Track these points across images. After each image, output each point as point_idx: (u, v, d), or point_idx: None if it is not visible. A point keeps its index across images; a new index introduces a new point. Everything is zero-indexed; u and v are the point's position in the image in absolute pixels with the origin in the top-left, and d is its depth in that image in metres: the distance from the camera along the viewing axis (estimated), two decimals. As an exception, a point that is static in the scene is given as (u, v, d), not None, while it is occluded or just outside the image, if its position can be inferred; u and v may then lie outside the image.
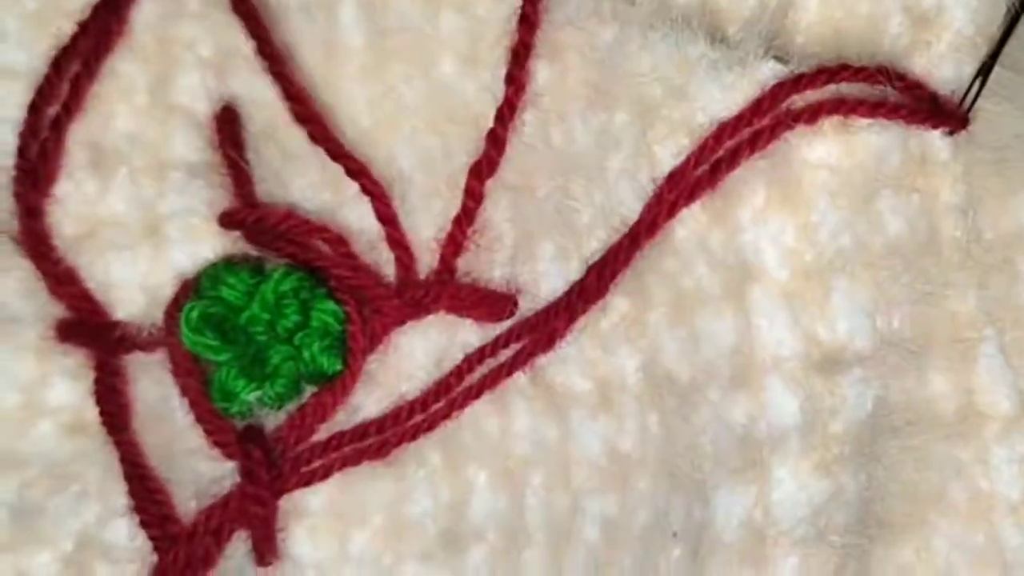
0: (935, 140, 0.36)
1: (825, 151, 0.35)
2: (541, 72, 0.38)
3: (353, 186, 0.38)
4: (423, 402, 0.38)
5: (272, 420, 0.38)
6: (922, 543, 0.37)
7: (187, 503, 0.38)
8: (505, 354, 0.38)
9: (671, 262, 0.36)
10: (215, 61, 0.39)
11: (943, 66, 0.36)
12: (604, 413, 0.38)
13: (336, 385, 0.38)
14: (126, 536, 0.38)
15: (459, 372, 0.38)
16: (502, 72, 0.38)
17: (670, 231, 0.36)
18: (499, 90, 0.38)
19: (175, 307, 0.38)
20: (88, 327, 0.38)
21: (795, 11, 0.36)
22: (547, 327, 0.37)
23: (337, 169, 0.38)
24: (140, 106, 0.39)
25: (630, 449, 0.37)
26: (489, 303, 0.38)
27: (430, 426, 0.38)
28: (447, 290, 0.38)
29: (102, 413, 0.38)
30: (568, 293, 0.37)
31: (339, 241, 0.38)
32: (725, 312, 0.36)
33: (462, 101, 0.38)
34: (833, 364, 0.35)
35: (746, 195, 0.35)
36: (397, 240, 0.38)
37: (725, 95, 0.35)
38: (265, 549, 0.37)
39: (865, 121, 0.35)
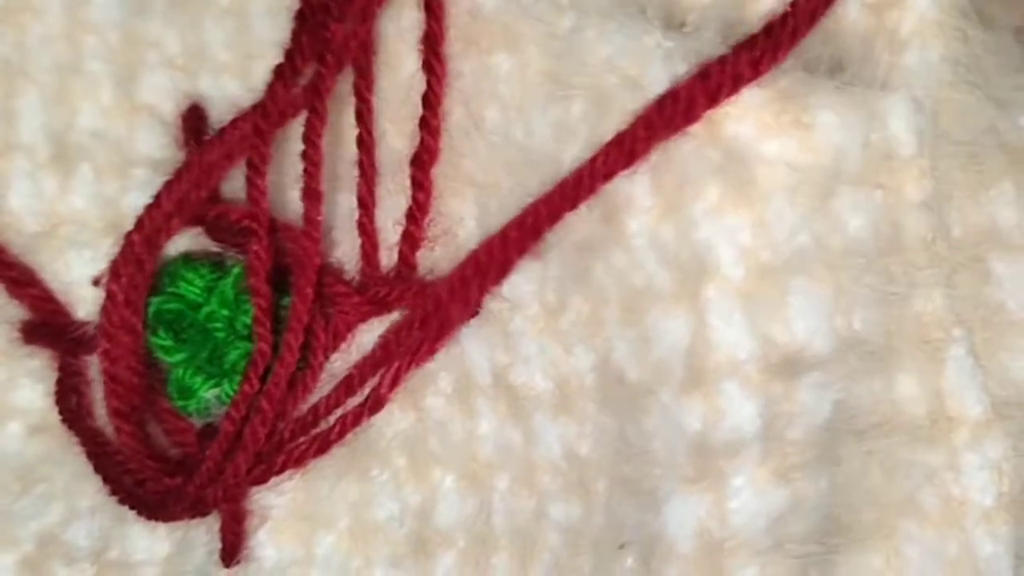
0: (900, 134, 0.35)
1: (781, 146, 0.34)
2: (502, 65, 0.37)
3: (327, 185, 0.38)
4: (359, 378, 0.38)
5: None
6: (892, 551, 0.35)
7: None
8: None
9: (621, 257, 0.35)
10: (182, 60, 0.39)
11: (906, 53, 0.35)
12: (564, 415, 0.37)
13: (296, 383, 0.38)
14: (85, 536, 0.38)
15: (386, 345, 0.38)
16: (464, 66, 0.37)
17: (622, 223, 0.35)
18: (463, 85, 0.37)
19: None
20: (50, 328, 0.38)
21: (749, 3, 0.35)
22: (464, 290, 0.37)
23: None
24: (105, 104, 0.39)
25: (588, 453, 0.37)
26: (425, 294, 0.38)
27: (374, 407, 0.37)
28: (409, 288, 0.38)
29: (62, 412, 0.38)
30: (483, 249, 0.36)
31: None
32: (677, 311, 0.34)
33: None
34: (790, 367, 0.34)
35: (700, 191, 0.34)
36: (367, 231, 0.38)
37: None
38: (234, 553, 0.37)
39: (823, 112, 0.34)
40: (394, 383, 0.38)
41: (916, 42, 0.35)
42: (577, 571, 0.37)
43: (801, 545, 0.34)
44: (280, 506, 0.38)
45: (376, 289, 0.38)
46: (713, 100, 0.34)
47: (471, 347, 0.38)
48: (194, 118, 0.39)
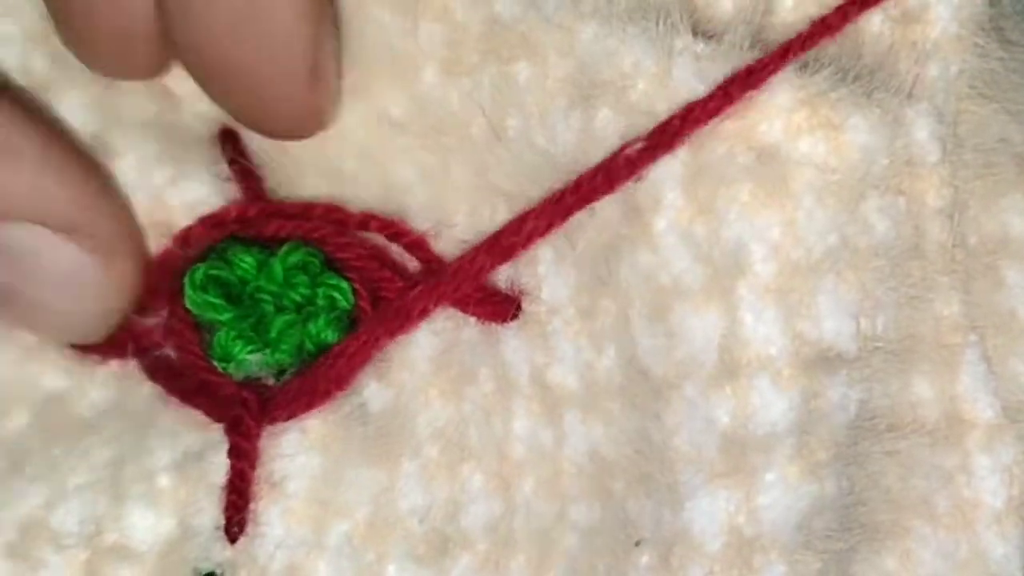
0: (924, 142, 0.36)
1: (811, 149, 0.34)
2: (522, 74, 0.37)
3: (362, 202, 0.39)
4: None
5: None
6: (906, 551, 0.36)
7: (162, 473, 0.37)
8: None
9: (647, 257, 0.35)
10: None
11: (928, 64, 0.36)
12: (592, 416, 0.37)
13: (345, 351, 0.37)
14: (76, 520, 0.37)
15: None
16: (483, 77, 0.37)
17: (648, 223, 0.35)
18: (482, 96, 0.37)
19: (179, 273, 0.38)
20: None
21: (782, 6, 0.36)
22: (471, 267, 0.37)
23: (344, 183, 0.39)
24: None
25: (611, 453, 0.36)
26: (494, 303, 0.38)
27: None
28: (458, 285, 0.37)
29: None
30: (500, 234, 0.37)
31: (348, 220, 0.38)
32: (708, 307, 0.35)
33: (448, 111, 0.38)
34: (820, 365, 0.35)
35: (732, 191, 0.34)
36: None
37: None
38: (237, 514, 0.36)
39: (853, 116, 0.34)
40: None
41: (938, 55, 0.36)
42: (592, 572, 0.36)
43: (825, 542, 0.35)
44: (295, 486, 0.36)
45: (428, 285, 0.38)
46: (744, 104, 0.34)
47: (511, 348, 0.38)
48: (229, 137, 0.39)
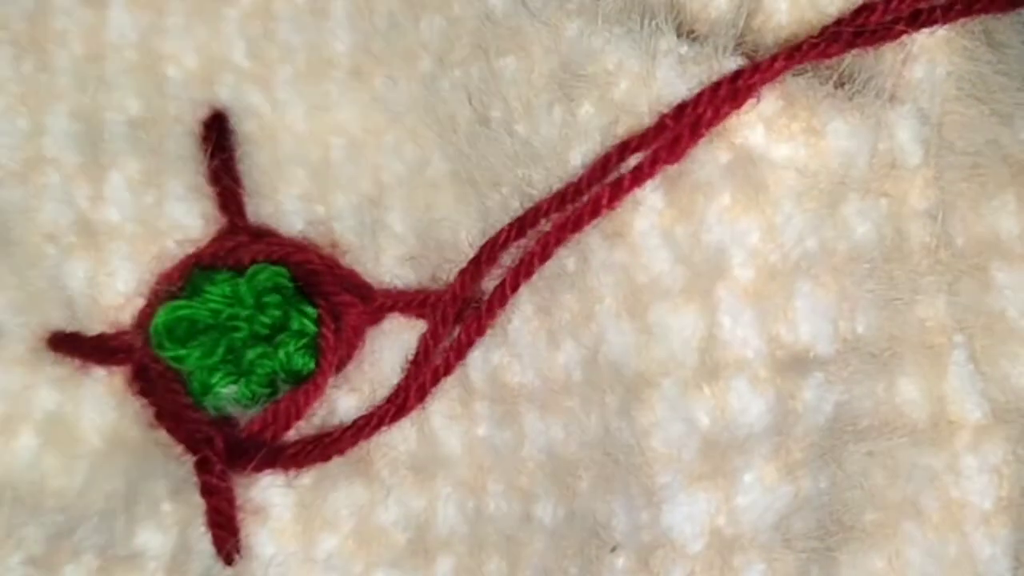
0: (906, 144, 0.36)
1: (792, 153, 0.35)
2: (509, 67, 0.38)
3: (346, 198, 0.40)
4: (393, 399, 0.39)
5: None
6: (894, 552, 0.36)
7: (165, 500, 0.38)
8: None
9: (624, 256, 0.36)
10: (201, 72, 0.40)
11: (915, 67, 0.36)
12: (550, 413, 0.37)
13: (308, 385, 0.39)
14: (93, 534, 0.38)
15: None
16: (472, 68, 0.38)
17: (626, 223, 0.36)
18: (470, 86, 0.38)
19: (148, 312, 0.39)
20: (77, 337, 0.39)
21: (764, 11, 0.36)
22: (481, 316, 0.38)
23: (330, 179, 0.39)
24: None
25: (572, 451, 0.37)
26: (438, 305, 0.39)
27: (395, 417, 0.38)
28: (402, 297, 0.39)
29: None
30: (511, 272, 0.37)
31: (313, 249, 0.39)
32: (687, 307, 0.35)
33: (438, 100, 0.39)
34: (796, 367, 0.35)
35: (713, 194, 0.35)
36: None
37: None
38: (222, 535, 0.38)
39: (833, 120, 0.35)
40: (421, 394, 0.39)
41: (925, 57, 0.36)
42: (563, 574, 0.37)
43: (804, 542, 0.35)
44: (284, 506, 0.38)
45: (374, 299, 0.39)
46: (734, 108, 0.35)
47: (473, 353, 0.39)
48: (216, 126, 0.40)
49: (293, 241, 0.40)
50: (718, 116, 0.35)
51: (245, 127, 0.41)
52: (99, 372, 0.39)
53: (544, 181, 0.37)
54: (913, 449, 0.36)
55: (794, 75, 0.35)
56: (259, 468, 0.38)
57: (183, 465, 0.38)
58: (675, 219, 0.35)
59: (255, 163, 0.40)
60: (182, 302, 0.39)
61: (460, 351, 0.38)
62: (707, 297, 0.35)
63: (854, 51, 0.35)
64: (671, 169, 0.35)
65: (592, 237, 0.36)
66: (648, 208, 0.35)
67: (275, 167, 0.40)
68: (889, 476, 0.36)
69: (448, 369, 0.38)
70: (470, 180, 0.39)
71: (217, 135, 0.40)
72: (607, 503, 0.36)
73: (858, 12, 0.36)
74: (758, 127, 0.35)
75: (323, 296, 0.39)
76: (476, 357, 0.39)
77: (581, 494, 0.37)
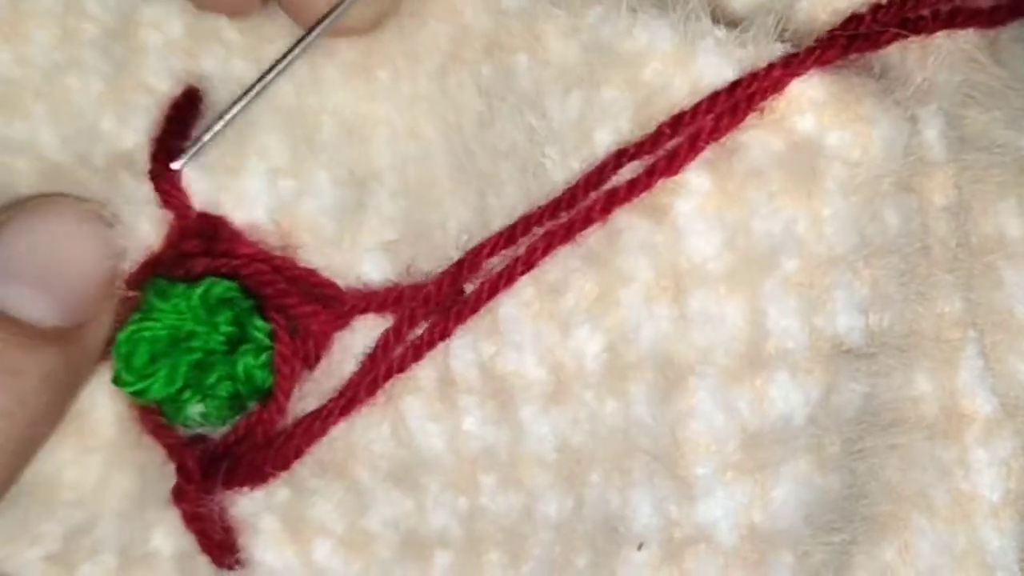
0: (933, 142, 0.36)
1: (840, 142, 0.35)
2: (520, 63, 0.36)
3: (318, 174, 0.38)
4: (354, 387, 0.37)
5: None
6: (904, 544, 0.37)
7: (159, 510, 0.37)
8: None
9: (661, 236, 0.35)
10: (184, 42, 0.38)
11: (939, 70, 0.37)
12: (557, 404, 0.36)
13: (270, 405, 0.37)
14: (112, 534, 0.37)
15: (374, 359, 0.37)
16: (482, 67, 0.37)
17: (667, 204, 0.35)
18: (480, 82, 0.37)
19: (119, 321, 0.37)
20: None
21: (801, 5, 0.36)
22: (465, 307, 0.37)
23: (302, 153, 0.37)
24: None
25: (582, 443, 0.36)
26: (408, 303, 0.37)
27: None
28: (374, 297, 0.37)
29: None
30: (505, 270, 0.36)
31: (271, 258, 0.37)
32: (732, 295, 0.35)
33: (446, 97, 0.38)
34: (832, 360, 0.35)
35: (762, 180, 0.35)
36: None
37: (737, 74, 0.34)
38: (218, 554, 0.36)
39: (879, 111, 0.35)
40: (372, 389, 0.37)
41: (946, 63, 0.37)
42: (571, 567, 0.36)
43: (829, 534, 0.35)
44: (270, 518, 0.37)
45: (343, 302, 0.37)
46: (735, 121, 0.34)
47: (455, 339, 0.37)
48: (187, 102, 0.38)
49: (246, 247, 0.37)
50: (719, 128, 0.34)
51: (222, 95, 0.38)
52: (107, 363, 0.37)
53: (562, 160, 0.36)
54: (926, 442, 0.37)
55: (840, 67, 0.35)
56: (230, 485, 0.37)
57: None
58: (722, 204, 0.35)
59: (225, 135, 0.37)
60: (137, 324, 0.36)
61: (419, 351, 0.37)
62: (754, 286, 0.34)
63: (849, 56, 0.36)
64: (717, 150, 0.34)
65: (625, 216, 0.35)
66: (691, 190, 0.35)
67: (249, 140, 0.38)
68: (903, 469, 0.37)
69: (403, 367, 0.37)
70: (474, 174, 0.37)
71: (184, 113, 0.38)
72: (623, 496, 0.35)
73: (849, 20, 0.36)
74: (809, 115, 0.35)
75: (278, 309, 0.37)
76: (463, 349, 0.37)
77: (591, 486, 0.36)
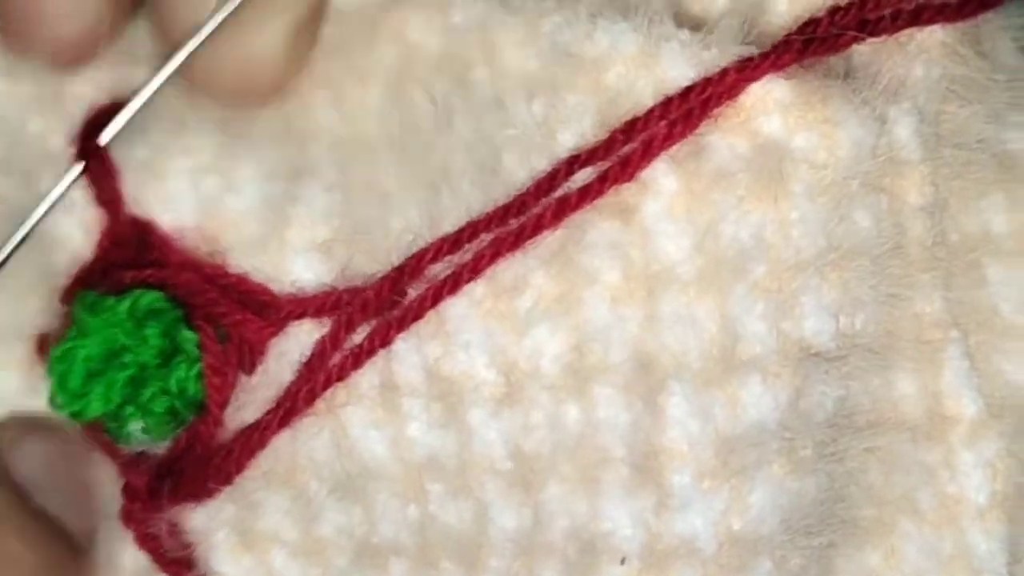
0: (906, 140, 0.36)
1: (807, 144, 0.35)
2: (479, 77, 0.36)
3: (245, 169, 0.36)
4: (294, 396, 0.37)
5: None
6: (890, 548, 0.36)
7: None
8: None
9: (628, 236, 0.34)
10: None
11: (914, 66, 0.36)
12: (508, 407, 0.35)
13: (206, 417, 0.37)
14: None
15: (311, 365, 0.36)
16: (437, 83, 0.36)
17: (634, 204, 0.34)
18: (435, 93, 0.36)
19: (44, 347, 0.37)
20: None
21: (766, 10, 0.36)
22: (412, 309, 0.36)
23: (228, 149, 0.36)
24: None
25: (536, 449, 0.35)
26: (345, 309, 0.36)
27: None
28: (311, 302, 0.36)
29: None
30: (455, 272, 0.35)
31: (201, 266, 0.37)
32: (702, 299, 0.34)
33: (396, 110, 0.37)
34: (801, 364, 0.35)
35: (729, 183, 0.34)
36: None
37: (701, 76, 0.34)
38: (175, 571, 0.37)
39: (846, 112, 0.34)
40: (310, 398, 0.36)
41: (923, 58, 0.36)
42: None
43: (806, 539, 0.35)
44: (224, 529, 0.37)
45: (278, 308, 0.36)
46: (689, 128, 0.34)
47: (398, 343, 0.36)
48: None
49: (176, 255, 0.37)
50: (672, 134, 0.34)
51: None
52: None
53: (523, 163, 0.35)
54: (909, 445, 0.36)
55: (807, 67, 0.35)
56: (176, 501, 0.37)
57: None
58: (691, 205, 0.34)
59: (146, 138, 0.37)
60: (71, 342, 0.36)
61: (359, 358, 0.36)
62: (724, 290, 0.34)
63: (806, 60, 0.35)
64: (684, 149, 0.34)
65: (590, 215, 0.35)
66: (659, 191, 0.34)
67: (171, 134, 0.37)
68: (886, 472, 0.36)
69: (342, 375, 0.36)
70: (426, 170, 0.36)
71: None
72: (594, 506, 0.35)
73: (807, 24, 0.36)
74: (774, 116, 0.34)
75: (208, 318, 0.36)
76: (407, 351, 0.36)
77: (550, 495, 0.35)
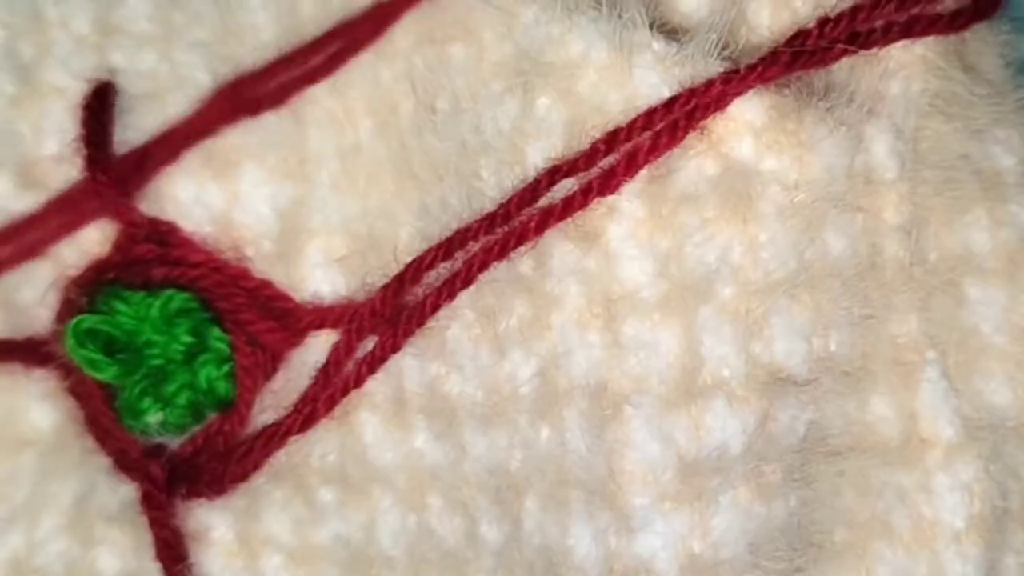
0: (882, 159, 0.35)
1: (778, 165, 0.34)
2: (457, 55, 0.36)
3: (246, 180, 0.38)
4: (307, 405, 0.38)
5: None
6: (864, 571, 0.36)
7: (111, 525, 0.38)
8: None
9: (592, 261, 0.34)
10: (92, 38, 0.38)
11: (891, 83, 0.36)
12: (493, 427, 0.36)
13: (232, 416, 0.37)
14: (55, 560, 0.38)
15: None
16: (416, 58, 0.37)
17: (599, 228, 0.34)
18: (414, 76, 0.37)
19: (60, 320, 0.38)
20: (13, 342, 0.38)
21: (747, 22, 0.35)
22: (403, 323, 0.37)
23: (226, 160, 0.37)
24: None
25: (517, 468, 0.36)
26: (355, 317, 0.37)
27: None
28: (329, 312, 0.37)
29: None
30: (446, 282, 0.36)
31: (226, 267, 0.38)
32: (665, 323, 0.34)
33: (378, 90, 0.37)
34: (770, 387, 0.35)
35: (697, 205, 0.34)
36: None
37: (673, 90, 0.34)
38: (170, 563, 0.37)
39: (821, 134, 0.34)
40: (329, 405, 0.37)
41: (902, 73, 0.36)
42: None
43: (775, 563, 0.35)
44: (223, 529, 0.37)
45: (298, 318, 0.38)
46: (673, 141, 0.34)
47: (407, 358, 0.37)
48: (100, 102, 0.38)
49: (199, 255, 0.38)
50: (657, 146, 0.34)
51: (135, 90, 0.38)
52: (40, 373, 0.38)
53: (495, 175, 0.36)
54: (884, 468, 0.36)
55: (780, 87, 0.34)
56: (189, 496, 0.38)
57: (124, 483, 0.38)
58: (655, 229, 0.34)
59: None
60: (95, 316, 0.37)
61: (373, 365, 0.37)
62: (688, 314, 0.34)
63: (794, 73, 0.35)
64: (649, 173, 0.34)
65: (555, 239, 0.35)
66: (624, 215, 0.34)
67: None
68: (860, 495, 0.36)
69: (359, 382, 0.37)
70: (411, 173, 0.37)
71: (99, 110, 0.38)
72: (562, 526, 0.35)
73: (795, 36, 0.35)
74: (746, 138, 0.34)
75: (237, 323, 0.38)
76: (413, 368, 0.37)
77: (527, 513, 0.36)
